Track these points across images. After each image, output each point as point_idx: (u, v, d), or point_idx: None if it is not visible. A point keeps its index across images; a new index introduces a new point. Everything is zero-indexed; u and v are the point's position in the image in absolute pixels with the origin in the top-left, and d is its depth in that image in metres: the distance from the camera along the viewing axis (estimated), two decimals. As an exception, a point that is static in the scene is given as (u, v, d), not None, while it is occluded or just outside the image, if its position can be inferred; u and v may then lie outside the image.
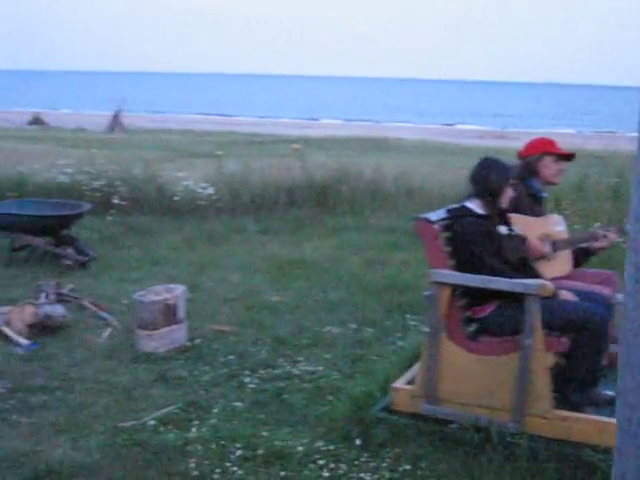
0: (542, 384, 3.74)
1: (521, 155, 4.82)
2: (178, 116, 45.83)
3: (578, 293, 4.02)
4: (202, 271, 7.68)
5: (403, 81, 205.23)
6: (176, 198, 10.61)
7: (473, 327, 4.11)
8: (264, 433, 4.05)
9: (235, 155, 14.25)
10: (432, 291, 3.96)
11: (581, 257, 4.77)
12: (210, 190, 10.73)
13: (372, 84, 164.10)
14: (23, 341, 5.39)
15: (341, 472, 3.66)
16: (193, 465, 3.71)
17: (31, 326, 5.58)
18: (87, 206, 8.33)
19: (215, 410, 4.38)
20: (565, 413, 3.75)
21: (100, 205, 9.92)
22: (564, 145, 4.96)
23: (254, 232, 9.66)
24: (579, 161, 5.29)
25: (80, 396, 4.58)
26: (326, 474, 3.64)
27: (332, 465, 3.71)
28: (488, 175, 4.16)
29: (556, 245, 4.59)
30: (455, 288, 3.98)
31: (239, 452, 3.84)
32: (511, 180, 4.22)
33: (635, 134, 2.08)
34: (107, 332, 5.71)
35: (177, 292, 5.57)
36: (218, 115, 50.04)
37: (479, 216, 4.14)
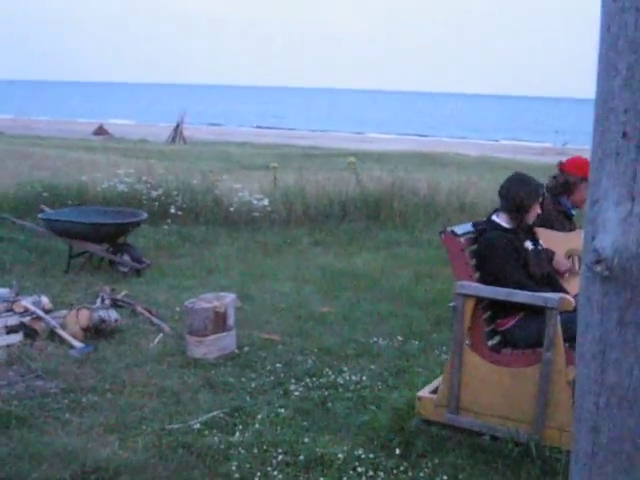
0: (563, 397, 3.74)
1: (562, 169, 4.77)
2: (237, 129, 46.40)
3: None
4: (254, 281, 7.79)
5: (449, 95, 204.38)
6: (231, 209, 10.79)
7: (496, 339, 4.14)
8: (306, 439, 4.12)
9: (290, 168, 14.40)
10: (457, 303, 4.00)
11: None
12: (265, 202, 10.88)
13: (422, 98, 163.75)
14: (77, 344, 5.56)
15: (380, 480, 3.71)
16: (235, 468, 3.79)
17: (86, 329, 5.75)
18: (144, 215, 8.51)
19: (259, 416, 4.45)
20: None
21: (157, 214, 10.19)
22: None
23: (307, 244, 9.77)
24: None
25: (130, 398, 4.71)
26: (365, 481, 3.69)
27: (371, 473, 3.76)
28: (518, 191, 4.17)
29: None
30: (480, 300, 4.01)
31: (280, 457, 3.91)
32: (540, 197, 4.23)
33: None
34: (158, 337, 5.85)
35: (227, 300, 5.68)
36: (274, 129, 50.46)
37: (505, 230, 4.17)
